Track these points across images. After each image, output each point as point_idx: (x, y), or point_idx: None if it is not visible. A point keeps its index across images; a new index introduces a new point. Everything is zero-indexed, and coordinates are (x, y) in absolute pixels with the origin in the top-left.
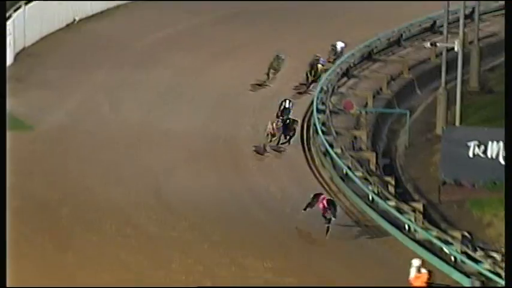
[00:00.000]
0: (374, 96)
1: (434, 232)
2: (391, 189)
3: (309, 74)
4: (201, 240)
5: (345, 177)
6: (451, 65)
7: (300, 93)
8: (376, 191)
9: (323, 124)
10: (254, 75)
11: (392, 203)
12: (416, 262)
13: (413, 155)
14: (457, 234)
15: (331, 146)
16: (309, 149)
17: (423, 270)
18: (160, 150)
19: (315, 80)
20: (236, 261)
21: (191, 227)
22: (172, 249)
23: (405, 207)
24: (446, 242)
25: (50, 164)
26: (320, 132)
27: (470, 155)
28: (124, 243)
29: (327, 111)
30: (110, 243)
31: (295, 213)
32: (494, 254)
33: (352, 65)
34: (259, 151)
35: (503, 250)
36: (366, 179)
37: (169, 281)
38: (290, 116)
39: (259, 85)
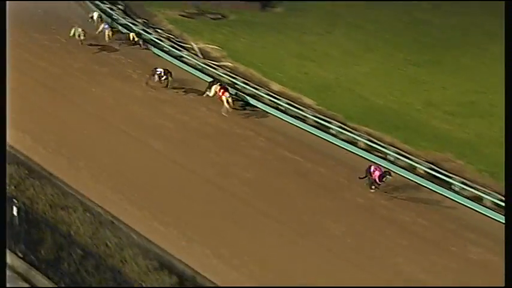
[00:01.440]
0: None
1: (129, 19)
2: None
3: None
4: (24, 32)
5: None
6: None
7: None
8: (113, 8)
9: None
10: None
11: (119, 9)
12: None
13: None
14: (141, 20)
15: None
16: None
17: None
18: None
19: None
20: (33, 37)
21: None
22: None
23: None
24: (134, 24)
25: None
26: None
27: None
28: None
29: None
30: None
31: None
32: (159, 30)
33: None
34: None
35: (164, 28)
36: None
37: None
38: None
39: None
